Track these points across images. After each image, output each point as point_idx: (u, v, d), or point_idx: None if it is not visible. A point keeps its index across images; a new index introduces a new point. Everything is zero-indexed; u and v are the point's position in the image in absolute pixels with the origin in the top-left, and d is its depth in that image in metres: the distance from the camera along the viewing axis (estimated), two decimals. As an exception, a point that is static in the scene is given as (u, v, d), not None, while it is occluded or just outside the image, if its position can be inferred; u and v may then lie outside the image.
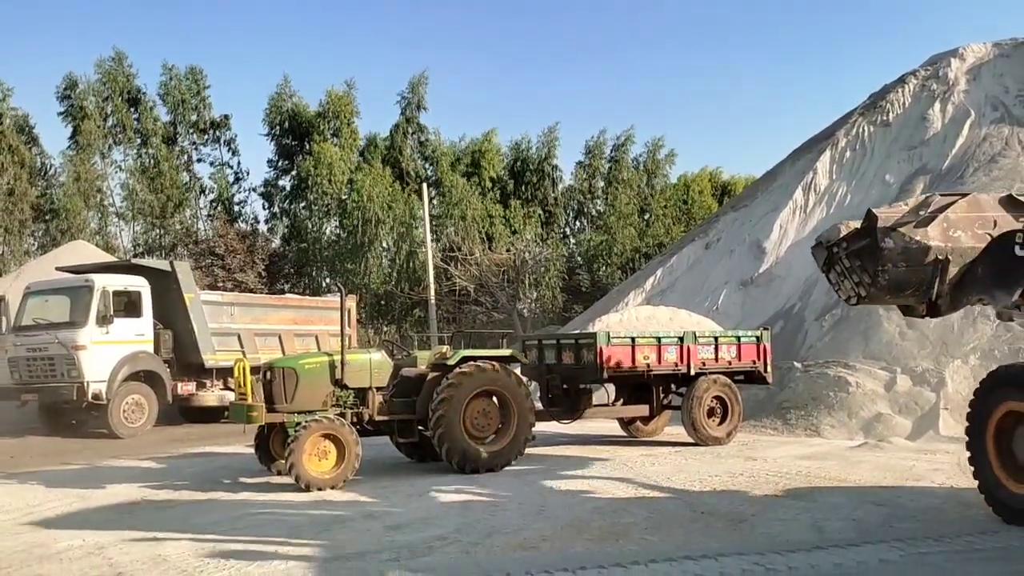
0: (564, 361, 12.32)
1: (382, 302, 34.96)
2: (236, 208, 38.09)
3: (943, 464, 9.91)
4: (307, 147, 36.06)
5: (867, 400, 13.96)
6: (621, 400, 12.95)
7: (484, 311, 32.46)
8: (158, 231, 35.90)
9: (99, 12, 59.87)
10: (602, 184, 40.91)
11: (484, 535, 6.72)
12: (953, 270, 7.43)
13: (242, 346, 16.73)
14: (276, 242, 37.83)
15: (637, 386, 12.65)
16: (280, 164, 37.76)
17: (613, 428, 13.81)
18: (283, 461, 9.23)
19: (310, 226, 36.43)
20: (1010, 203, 7.76)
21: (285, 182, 37.97)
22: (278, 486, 9.28)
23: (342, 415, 9.43)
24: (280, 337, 17.55)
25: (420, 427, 10.04)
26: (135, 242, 35.97)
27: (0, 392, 15.81)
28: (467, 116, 79.47)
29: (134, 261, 19.16)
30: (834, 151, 23.27)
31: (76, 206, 32.52)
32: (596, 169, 40.75)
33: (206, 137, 37.58)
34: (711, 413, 12.26)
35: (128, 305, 15.72)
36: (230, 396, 13.47)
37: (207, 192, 38.06)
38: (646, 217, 39.83)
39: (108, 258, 23.78)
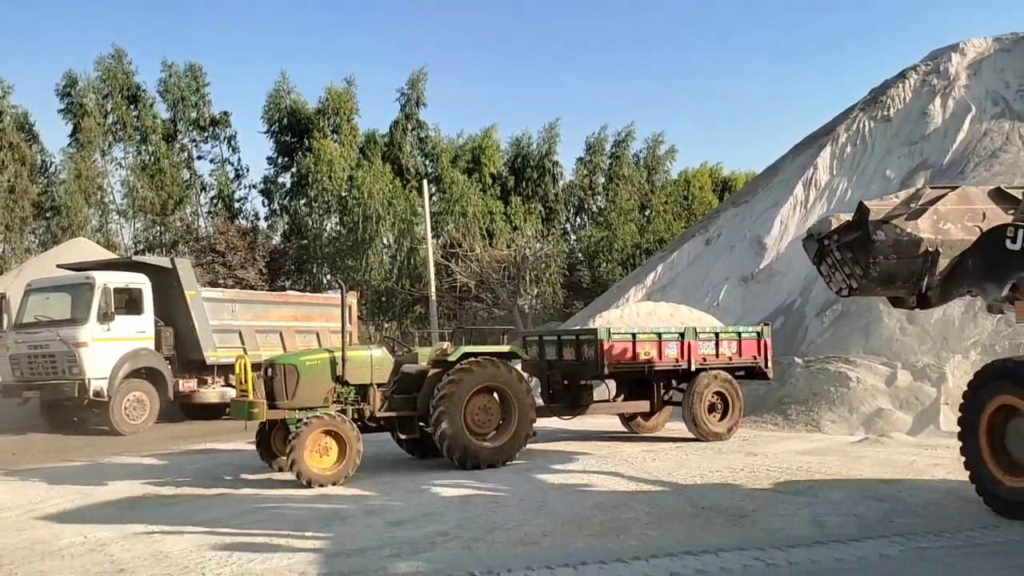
0: (565, 357, 12.33)
1: (383, 299, 34.96)
2: (236, 205, 38.11)
3: (944, 459, 9.91)
4: (307, 144, 36.02)
5: (868, 395, 13.97)
6: (622, 396, 12.97)
7: (485, 307, 32.45)
8: (159, 228, 35.90)
9: (98, 10, 59.87)
10: (603, 180, 40.88)
11: (485, 531, 6.74)
12: (943, 262, 7.50)
13: (243, 343, 16.76)
14: (277, 239, 37.84)
15: (638, 382, 12.66)
16: (280, 161, 37.76)
17: (614, 424, 13.82)
18: (284, 457, 9.24)
19: (310, 223, 36.42)
20: (999, 196, 7.86)
21: (285, 179, 38.00)
22: (280, 482, 9.30)
23: (343, 411, 9.45)
24: (281, 334, 17.58)
25: (421, 423, 10.05)
26: (136, 239, 35.99)
27: (2, 389, 15.86)
28: (467, 113, 79.64)
29: (135, 258, 19.19)
30: (835, 146, 23.25)
31: (77, 203, 32.51)
32: (597, 165, 40.72)
33: (206, 134, 37.58)
34: (712, 409, 12.27)
35: (129, 302, 15.74)
36: (231, 393, 13.48)
37: (207, 189, 38.08)
38: (647, 213, 39.81)
39: (109, 255, 23.78)
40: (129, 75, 35.70)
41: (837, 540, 6.29)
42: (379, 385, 9.88)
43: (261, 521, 7.28)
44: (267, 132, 37.32)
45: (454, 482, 9.00)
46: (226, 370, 16.30)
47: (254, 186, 38.64)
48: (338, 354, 9.68)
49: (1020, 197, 7.78)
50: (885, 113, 23.32)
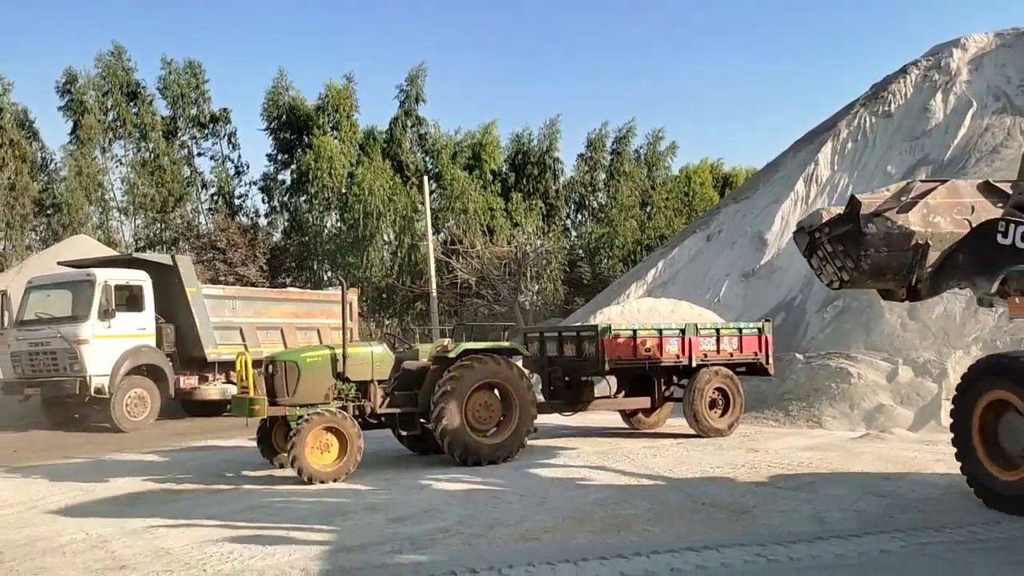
0: (566, 353, 12.33)
1: (383, 295, 34.96)
2: (237, 202, 38.10)
3: (945, 455, 9.86)
4: (306, 141, 36.00)
5: (869, 391, 13.96)
6: (623, 392, 12.96)
7: (486, 304, 32.45)
8: (159, 225, 35.90)
9: (98, 8, 59.81)
10: (603, 177, 40.85)
11: (486, 527, 6.74)
12: (933, 255, 7.56)
13: (244, 340, 16.76)
14: (277, 236, 37.83)
15: (639, 378, 12.67)
16: (280, 158, 37.74)
17: (615, 420, 13.82)
18: (285, 454, 9.26)
19: (311, 219, 36.41)
20: (988, 189, 7.91)
21: (285, 176, 37.99)
22: (280, 479, 9.30)
23: (344, 408, 9.45)
24: (282, 331, 17.58)
25: (422, 420, 10.05)
26: (136, 236, 35.98)
27: (3, 386, 15.87)
28: (467, 110, 79.48)
29: (136, 255, 19.20)
30: (836, 142, 23.24)
31: (78, 201, 32.51)
32: (598, 162, 40.68)
33: (206, 131, 37.55)
34: (713, 405, 12.27)
35: (130, 299, 15.74)
36: (232, 390, 13.49)
37: (208, 186, 38.07)
38: (648, 209, 39.78)
39: (110, 252, 23.79)
40: (129, 72, 35.69)
41: (838, 536, 6.29)
42: (380, 382, 9.89)
43: (262, 517, 7.29)
44: (267, 129, 37.35)
45: (455, 478, 9.01)
46: (227, 367, 16.31)
47: (254, 183, 38.69)
48: (339, 351, 9.68)
49: (1008, 191, 7.83)
50: (886, 109, 23.30)
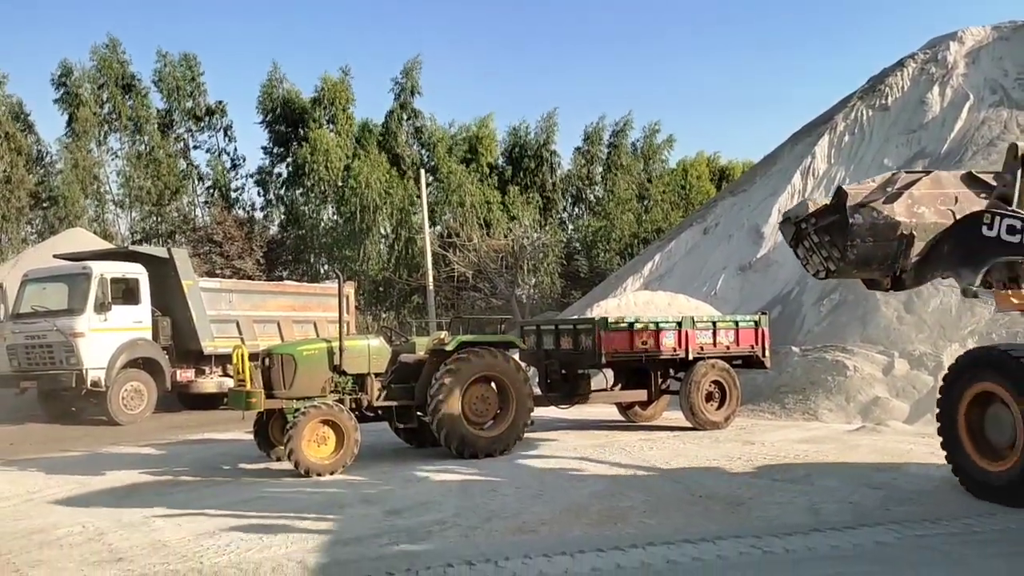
0: (562, 346, 12.33)
1: (380, 288, 34.94)
2: (233, 195, 38.03)
3: (940, 447, 9.93)
4: (302, 134, 35.92)
5: (865, 384, 13.99)
6: (619, 385, 12.99)
7: (483, 297, 32.46)
8: (155, 218, 35.82)
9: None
10: (600, 170, 40.81)
11: (483, 519, 6.75)
12: (918, 245, 7.65)
13: (240, 333, 16.74)
14: (274, 229, 37.77)
15: (635, 371, 12.68)
16: (275, 151, 37.66)
17: (611, 413, 13.84)
18: (282, 447, 9.25)
19: (307, 212, 36.35)
20: (971, 180, 8.01)
21: (281, 169, 37.92)
22: (277, 472, 9.31)
23: (341, 401, 9.45)
24: (279, 324, 17.56)
25: (419, 413, 10.06)
26: (132, 229, 35.89)
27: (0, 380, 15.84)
28: (463, 103, 79.36)
29: (132, 248, 19.13)
30: (833, 135, 23.24)
31: (74, 193, 32.42)
32: (595, 155, 40.64)
33: (202, 124, 37.46)
34: (709, 398, 12.28)
35: (126, 292, 15.72)
36: (229, 383, 13.50)
37: (204, 179, 37.99)
38: (644, 203, 39.77)
39: (106, 245, 23.74)
40: (124, 65, 35.55)
41: (833, 528, 6.31)
42: (377, 375, 9.88)
43: (259, 510, 7.29)
44: (262, 122, 37.26)
45: (452, 471, 9.02)
46: (223, 360, 16.31)
47: (251, 176, 38.61)
48: (336, 344, 9.67)
49: (991, 181, 7.93)
50: (883, 102, 23.30)
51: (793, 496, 7.44)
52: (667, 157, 42.11)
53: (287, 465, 9.05)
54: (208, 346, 16.45)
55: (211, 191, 37.55)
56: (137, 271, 15.93)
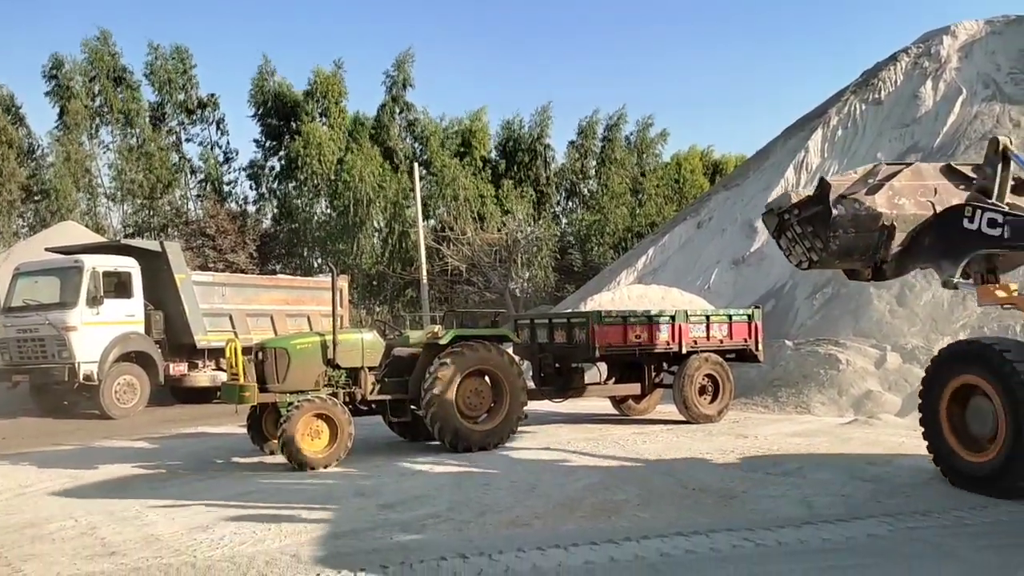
0: (556, 340, 12.34)
1: (374, 282, 34.89)
2: (226, 188, 37.88)
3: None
4: (295, 127, 35.79)
5: (857, 377, 14.04)
6: (613, 379, 13.01)
7: (476, 291, 32.45)
8: (148, 212, 35.67)
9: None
10: (594, 164, 40.80)
11: (477, 513, 6.75)
12: (899, 236, 7.74)
13: (234, 326, 16.71)
14: (267, 223, 37.67)
15: (629, 365, 12.70)
16: (267, 145, 37.52)
17: (605, 407, 13.86)
18: (275, 441, 9.24)
19: (300, 205, 36.25)
20: (949, 172, 8.09)
21: (274, 162, 37.80)
22: (271, 466, 9.30)
23: (334, 395, 9.44)
24: (272, 317, 17.54)
25: (412, 406, 10.06)
26: (125, 223, 35.74)
27: (-8, 373, 15.79)
28: (456, 96, 79.10)
29: (124, 242, 19.09)
30: (826, 129, 23.27)
31: (66, 187, 32.26)
32: (588, 149, 40.61)
33: (194, 117, 37.28)
34: (702, 391, 12.31)
35: (119, 286, 15.67)
36: (222, 376, 13.46)
37: (196, 173, 37.84)
38: (639, 196, 39.77)
39: (98, 239, 23.64)
40: (115, 58, 35.35)
41: (826, 520, 6.34)
42: (370, 368, 9.87)
43: (252, 504, 7.28)
44: (254, 116, 37.10)
45: (445, 465, 9.03)
46: (216, 354, 16.30)
47: (243, 169, 38.48)
48: (329, 337, 9.66)
49: (970, 174, 8.05)
50: (876, 96, 23.33)
51: (786, 489, 7.47)
52: (661, 151, 42.16)
53: (281, 459, 9.05)
54: (201, 340, 16.42)
55: (203, 184, 37.42)
56: (129, 265, 15.87)
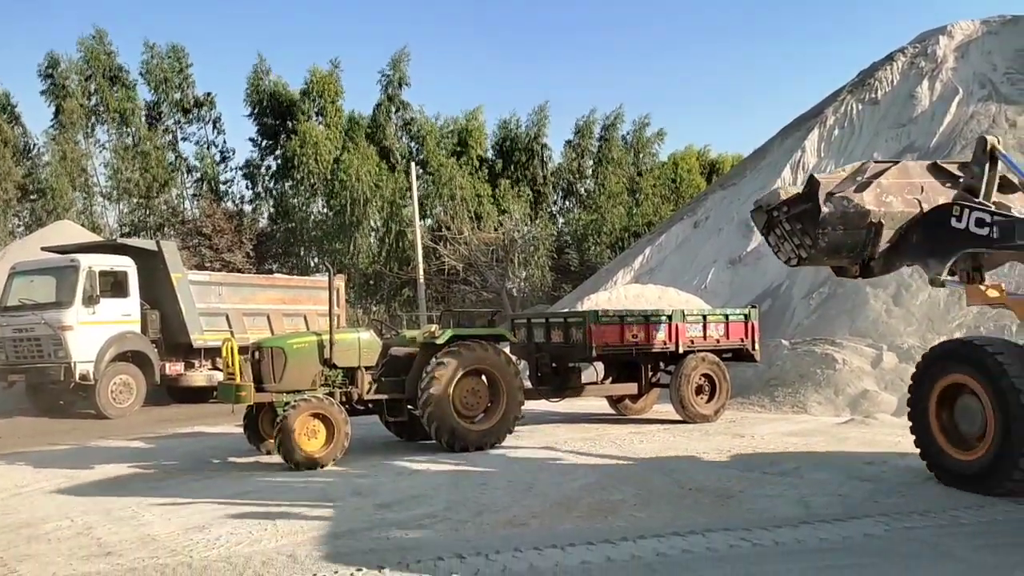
0: (553, 340, 12.34)
1: (371, 282, 34.87)
2: (223, 188, 37.84)
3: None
4: (291, 126, 35.74)
5: (854, 377, 14.05)
6: (610, 378, 13.00)
7: (473, 290, 32.43)
8: (144, 211, 35.61)
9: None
10: (591, 163, 40.81)
11: (474, 513, 6.75)
12: (886, 233, 7.83)
13: (230, 326, 16.68)
14: (263, 222, 37.62)
15: (626, 364, 12.70)
16: (264, 144, 37.47)
17: (602, 406, 13.86)
18: (272, 440, 9.24)
19: (296, 204, 36.20)
20: (936, 170, 8.18)
21: (269, 162, 37.75)
22: (267, 465, 9.29)
23: (331, 394, 9.43)
24: (268, 317, 17.51)
25: (409, 406, 10.05)
26: (121, 222, 35.70)
27: (-12, 372, 15.75)
28: (452, 96, 79.08)
29: (120, 241, 19.05)
30: (822, 129, 23.28)
31: (62, 186, 32.20)
32: (585, 148, 40.61)
33: (191, 116, 37.23)
34: (699, 391, 12.32)
35: (115, 285, 15.64)
36: (218, 376, 13.44)
37: (193, 172, 37.78)
38: (635, 196, 39.79)
39: (94, 238, 23.60)
40: (111, 56, 35.31)
41: (823, 520, 6.34)
42: (367, 368, 9.86)
43: (249, 504, 7.27)
44: (250, 115, 37.05)
45: (442, 464, 9.02)
46: (213, 353, 16.24)
47: (240, 169, 38.43)
48: (326, 337, 9.65)
49: (956, 172, 8.14)
50: (873, 96, 23.34)
51: (782, 489, 7.47)
52: (657, 151, 42.19)
53: (277, 458, 9.04)
54: (197, 339, 16.39)
55: (200, 184, 37.37)
56: (126, 264, 15.83)
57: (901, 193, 7.84)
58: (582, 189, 41.05)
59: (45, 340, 14.97)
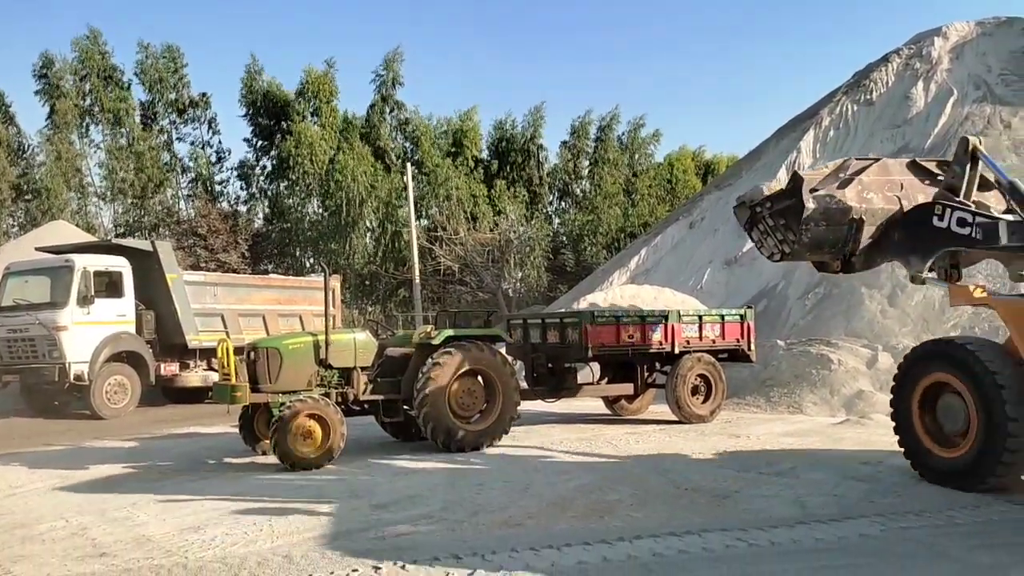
0: (549, 340, 12.34)
1: (366, 282, 34.85)
2: (218, 188, 37.80)
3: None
4: (286, 127, 35.69)
5: (849, 377, 14.07)
6: (606, 379, 13.00)
7: (469, 291, 32.43)
8: (139, 211, 35.56)
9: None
10: (587, 164, 40.84)
11: (470, 513, 6.74)
12: (867, 230, 7.97)
13: (225, 326, 16.67)
14: (259, 222, 37.57)
15: (622, 365, 12.71)
16: (258, 144, 37.42)
17: (598, 407, 13.86)
18: (268, 441, 9.22)
19: (292, 205, 36.16)
20: (915, 168, 8.37)
21: (265, 162, 37.71)
22: (263, 466, 9.27)
23: (327, 395, 9.41)
24: (264, 317, 17.50)
25: (405, 407, 10.04)
26: (116, 222, 35.65)
27: (-18, 373, 15.71)
28: (447, 97, 79.10)
29: (115, 241, 19.01)
30: (818, 130, 23.32)
31: (57, 186, 32.12)
32: (581, 149, 40.64)
33: (186, 116, 37.17)
34: (695, 391, 12.33)
35: (109, 285, 15.60)
36: (214, 376, 13.43)
37: (188, 172, 37.72)
38: (631, 197, 39.82)
39: (89, 238, 23.57)
40: (106, 56, 35.23)
41: (818, 520, 6.35)
42: (363, 368, 9.85)
43: (244, 505, 7.24)
44: (245, 115, 37.01)
45: (438, 465, 9.01)
46: (208, 354, 16.24)
47: (234, 169, 38.38)
48: (321, 337, 9.63)
49: (935, 170, 8.33)
50: (868, 97, 23.39)
51: (779, 489, 7.48)
52: (653, 151, 42.25)
53: (273, 459, 9.02)
54: (192, 340, 16.37)
55: (195, 184, 37.31)
56: (120, 264, 15.81)
57: (881, 190, 7.97)
58: (578, 190, 41.10)
59: (40, 340, 14.94)
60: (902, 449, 7.87)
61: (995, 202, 7.98)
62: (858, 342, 15.02)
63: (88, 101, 35.12)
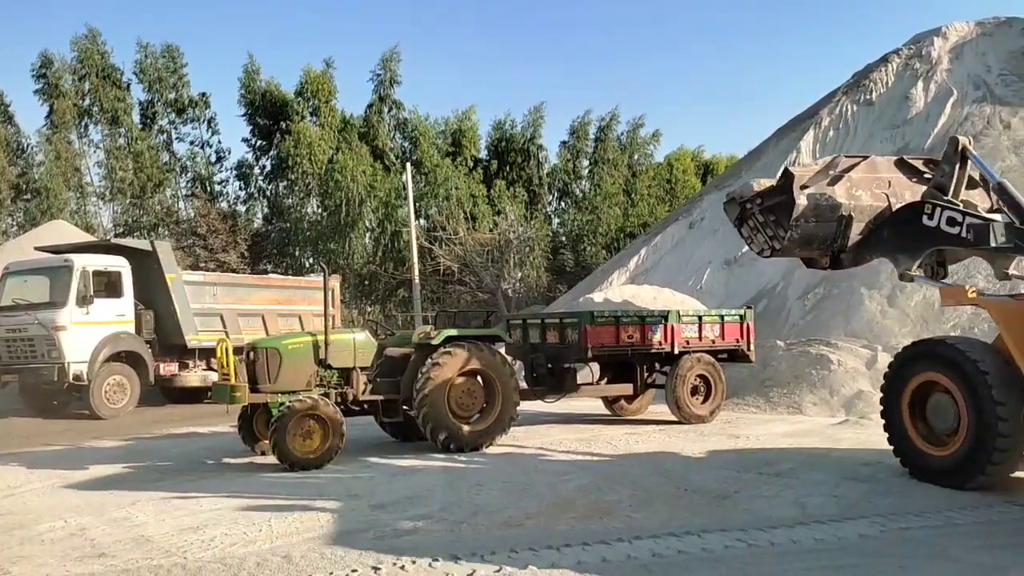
0: (548, 340, 12.33)
1: (366, 282, 34.82)
2: (217, 188, 37.75)
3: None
4: (284, 127, 35.66)
5: (848, 377, 14.07)
6: (605, 379, 12.99)
7: (468, 291, 32.41)
8: (138, 211, 35.52)
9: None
10: (587, 164, 40.84)
11: (469, 513, 6.74)
12: (856, 226, 8.07)
13: (225, 326, 16.66)
14: (258, 222, 37.55)
15: (621, 365, 12.70)
16: (257, 144, 37.38)
17: (597, 407, 13.86)
18: (267, 441, 9.22)
19: (291, 204, 36.12)
20: (902, 166, 8.48)
21: (264, 162, 37.68)
22: (262, 466, 9.26)
23: (326, 395, 9.41)
24: (263, 317, 17.48)
25: (404, 407, 10.03)
26: (115, 222, 35.59)
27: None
28: (447, 99, 79.12)
29: (114, 241, 19.00)
30: (817, 130, 23.32)
31: (57, 186, 32.09)
32: (580, 149, 40.63)
33: (185, 116, 37.13)
34: (695, 391, 12.33)
35: (109, 285, 15.59)
36: (213, 376, 13.42)
37: (187, 172, 37.67)
38: (631, 197, 39.81)
39: (88, 238, 23.55)
40: (105, 56, 35.19)
41: (818, 520, 6.35)
42: (362, 368, 9.84)
43: (243, 505, 7.24)
44: (244, 115, 36.97)
45: (438, 465, 9.00)
46: (207, 354, 16.23)
47: (234, 168, 38.34)
48: (321, 337, 9.63)
49: (921, 168, 8.45)
50: (868, 97, 23.39)
51: (778, 489, 7.48)
52: (652, 151, 42.23)
53: (272, 459, 9.01)
54: (192, 339, 16.36)
55: (194, 184, 37.27)
56: (120, 264, 15.79)
57: (870, 187, 8.05)
58: (577, 190, 41.06)
59: (39, 340, 14.93)
60: (892, 447, 7.93)
61: (979, 200, 8.04)
62: (858, 342, 15.02)
63: (87, 101, 35.07)
